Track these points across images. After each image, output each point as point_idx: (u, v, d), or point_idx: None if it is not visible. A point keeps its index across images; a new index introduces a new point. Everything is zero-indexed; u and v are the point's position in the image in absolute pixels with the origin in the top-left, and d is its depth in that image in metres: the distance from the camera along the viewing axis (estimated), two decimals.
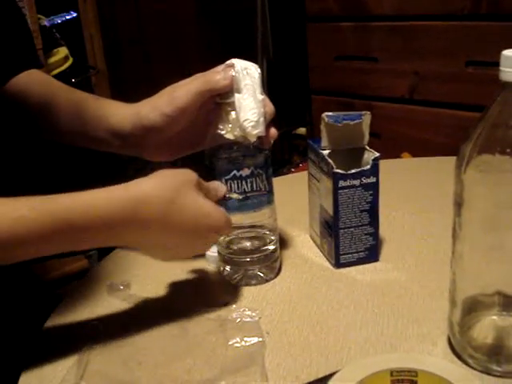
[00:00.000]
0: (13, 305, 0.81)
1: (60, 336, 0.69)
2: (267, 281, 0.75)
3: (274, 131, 0.71)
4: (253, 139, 0.68)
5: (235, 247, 0.75)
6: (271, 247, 0.75)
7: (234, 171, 0.70)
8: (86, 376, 0.60)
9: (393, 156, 1.45)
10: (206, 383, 0.59)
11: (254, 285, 0.75)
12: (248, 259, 0.74)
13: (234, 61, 0.69)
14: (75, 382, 0.59)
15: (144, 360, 0.62)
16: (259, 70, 0.69)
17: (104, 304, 0.73)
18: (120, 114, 0.75)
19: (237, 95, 0.67)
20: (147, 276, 0.79)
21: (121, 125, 0.75)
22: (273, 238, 0.75)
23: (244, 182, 0.70)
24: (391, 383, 0.54)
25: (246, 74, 0.67)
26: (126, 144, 0.76)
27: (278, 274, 0.77)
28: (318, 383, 0.56)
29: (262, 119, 0.68)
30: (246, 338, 0.64)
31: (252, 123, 0.67)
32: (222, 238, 0.74)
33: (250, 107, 0.67)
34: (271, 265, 0.76)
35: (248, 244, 0.75)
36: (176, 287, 0.76)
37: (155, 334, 0.66)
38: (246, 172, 0.70)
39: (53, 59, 1.96)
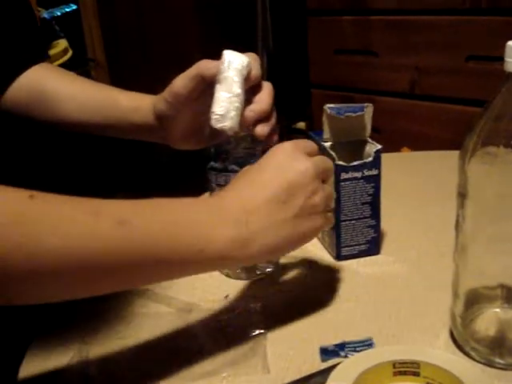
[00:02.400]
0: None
1: (60, 332, 0.69)
2: (265, 275, 0.75)
3: (260, 130, 0.68)
4: (228, 133, 0.67)
5: None
6: None
7: (212, 162, 0.71)
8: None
9: (393, 151, 1.44)
10: (207, 375, 0.58)
11: (252, 278, 0.74)
12: None
13: (226, 51, 0.68)
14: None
15: (145, 352, 0.62)
16: (245, 64, 0.67)
17: (103, 296, 0.73)
18: (143, 106, 0.77)
19: (216, 86, 0.67)
20: None
21: (145, 117, 0.77)
22: None
23: (218, 174, 0.71)
24: (393, 375, 0.54)
25: (229, 66, 0.66)
26: (152, 134, 0.78)
27: (276, 268, 0.76)
28: (320, 375, 0.56)
29: (232, 114, 0.66)
30: (247, 330, 0.64)
31: (216, 116, 0.66)
32: None
33: (219, 100, 0.66)
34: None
35: None
36: (177, 279, 0.75)
37: (156, 326, 0.66)
38: (219, 165, 0.70)
39: (52, 52, 1.95)
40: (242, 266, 0.74)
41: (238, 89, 0.66)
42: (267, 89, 0.70)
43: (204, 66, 0.68)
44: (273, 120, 0.70)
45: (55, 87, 0.83)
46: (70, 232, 0.46)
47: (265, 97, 0.69)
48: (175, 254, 0.53)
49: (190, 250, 0.53)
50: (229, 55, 0.67)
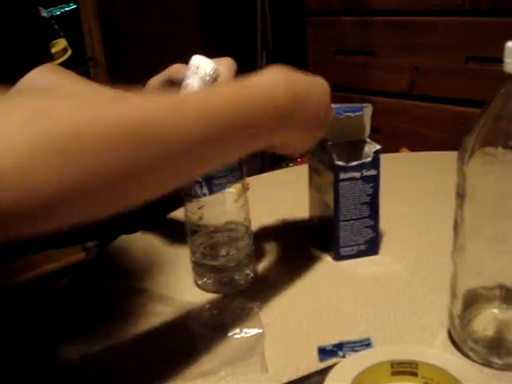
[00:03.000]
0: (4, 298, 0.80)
1: (58, 328, 0.69)
2: (239, 288, 0.73)
3: None
4: None
5: (208, 253, 0.72)
6: (244, 252, 0.73)
7: None
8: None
9: (391, 151, 1.45)
10: (205, 374, 0.58)
11: (227, 292, 0.72)
12: (220, 265, 0.72)
13: (194, 57, 0.66)
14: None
15: (143, 352, 0.62)
16: (209, 71, 0.65)
17: (103, 297, 0.73)
18: None
19: (180, 92, 0.65)
20: (145, 268, 0.78)
21: None
22: (245, 243, 0.73)
23: None
24: (392, 375, 0.54)
25: (193, 72, 0.65)
26: None
27: (251, 280, 0.74)
28: (318, 375, 0.56)
29: None
30: (245, 330, 0.64)
31: None
32: (196, 242, 0.72)
33: None
34: (245, 271, 0.74)
35: (220, 250, 0.72)
36: (175, 280, 0.75)
37: (154, 325, 0.66)
38: None
39: (52, 51, 1.95)
40: (214, 280, 0.73)
41: None
42: None
43: (174, 70, 0.67)
44: None
45: (54, 87, 0.83)
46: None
47: None
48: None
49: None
50: (195, 61, 0.66)
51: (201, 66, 0.65)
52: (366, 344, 0.61)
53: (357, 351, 0.59)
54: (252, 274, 0.75)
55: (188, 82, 0.65)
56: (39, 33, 0.89)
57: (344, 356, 0.59)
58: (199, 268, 0.73)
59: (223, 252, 0.72)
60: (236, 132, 0.54)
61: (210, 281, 0.73)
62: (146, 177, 0.47)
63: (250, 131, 0.56)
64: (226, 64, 0.68)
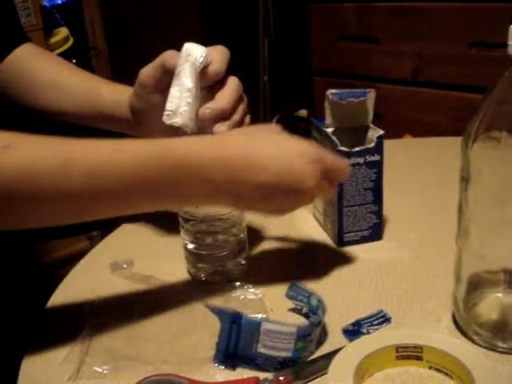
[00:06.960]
0: (13, 285, 0.80)
1: (63, 315, 0.69)
2: (232, 277, 0.72)
3: (217, 129, 0.65)
4: (186, 130, 0.64)
5: (200, 242, 0.71)
6: (236, 241, 0.72)
7: None
8: (90, 352, 0.60)
9: (395, 137, 1.44)
10: (210, 360, 0.59)
11: (219, 282, 0.72)
12: (213, 254, 0.71)
13: (186, 44, 0.65)
14: (80, 358, 0.59)
15: (149, 337, 0.62)
16: (199, 57, 0.64)
17: (107, 282, 0.73)
18: (123, 100, 0.76)
19: (172, 81, 0.65)
20: (150, 254, 0.79)
21: (123, 111, 0.76)
22: (238, 232, 0.72)
23: None
24: (396, 359, 0.55)
25: (185, 59, 0.64)
26: (130, 127, 0.77)
27: (244, 268, 0.74)
28: (323, 359, 0.56)
29: (184, 109, 0.64)
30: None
31: (167, 112, 0.64)
32: (188, 231, 0.71)
33: (171, 95, 0.64)
34: (238, 260, 0.73)
35: (213, 239, 0.71)
36: (179, 265, 0.75)
37: (159, 311, 0.67)
38: None
39: (53, 39, 1.95)
40: (207, 269, 0.72)
41: (189, 83, 0.64)
42: (230, 85, 0.67)
43: (167, 56, 0.66)
44: (235, 117, 0.67)
45: (42, 75, 0.82)
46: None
47: (225, 94, 0.66)
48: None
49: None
50: (187, 48, 0.65)
51: (192, 52, 0.64)
52: (381, 316, 0.62)
53: (375, 325, 0.61)
54: (244, 263, 0.74)
55: (180, 68, 0.64)
56: (9, 15, 0.88)
57: (368, 332, 0.60)
58: (192, 257, 0.73)
59: (215, 241, 0.71)
60: (146, 194, 0.58)
61: (202, 269, 0.72)
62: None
63: (174, 194, 0.60)
64: (218, 51, 0.67)
